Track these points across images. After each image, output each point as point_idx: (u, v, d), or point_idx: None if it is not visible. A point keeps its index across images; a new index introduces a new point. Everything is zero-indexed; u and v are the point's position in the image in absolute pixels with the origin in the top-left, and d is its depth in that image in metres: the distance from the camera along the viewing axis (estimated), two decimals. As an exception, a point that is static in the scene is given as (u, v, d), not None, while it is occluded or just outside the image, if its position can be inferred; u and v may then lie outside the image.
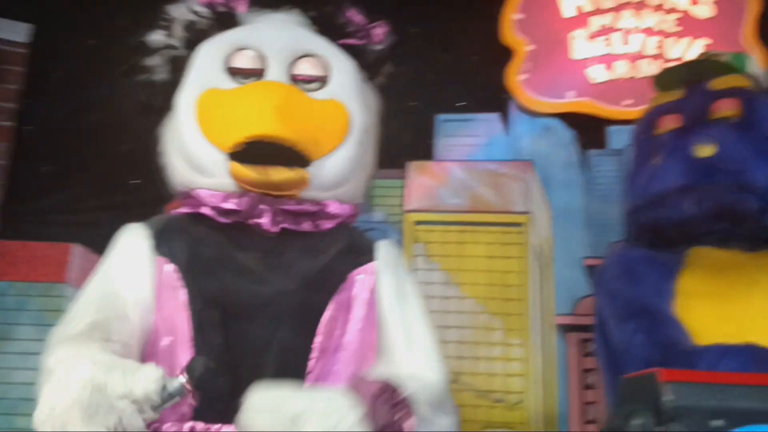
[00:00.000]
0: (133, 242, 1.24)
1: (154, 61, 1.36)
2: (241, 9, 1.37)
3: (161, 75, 1.36)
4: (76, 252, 2.09)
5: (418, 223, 2.10)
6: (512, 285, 2.03)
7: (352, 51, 1.38)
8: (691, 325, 1.37)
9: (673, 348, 1.28)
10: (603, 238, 2.02)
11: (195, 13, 1.35)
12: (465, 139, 2.18)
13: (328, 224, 1.28)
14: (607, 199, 2.04)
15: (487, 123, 2.18)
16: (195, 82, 1.30)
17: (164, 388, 0.98)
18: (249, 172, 1.22)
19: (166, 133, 1.35)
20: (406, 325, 1.27)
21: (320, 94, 1.30)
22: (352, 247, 1.29)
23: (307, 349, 1.18)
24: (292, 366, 1.15)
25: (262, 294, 1.19)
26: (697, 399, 0.87)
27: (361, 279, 1.26)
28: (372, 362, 1.23)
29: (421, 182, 2.14)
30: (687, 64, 1.64)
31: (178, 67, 1.34)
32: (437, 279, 2.04)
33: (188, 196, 1.28)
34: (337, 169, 1.29)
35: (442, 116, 2.20)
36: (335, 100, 1.31)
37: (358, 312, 1.24)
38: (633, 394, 0.97)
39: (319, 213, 1.27)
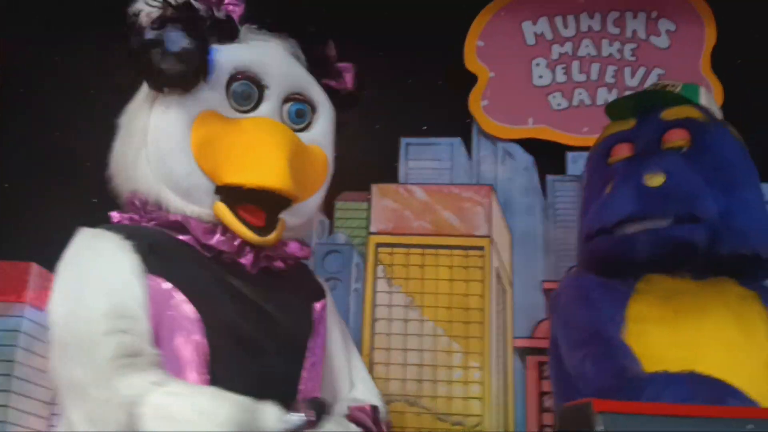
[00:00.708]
0: (117, 253, 1.16)
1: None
2: (236, 17, 1.33)
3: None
4: (35, 271, 2.07)
5: (381, 245, 2.11)
6: (472, 308, 2.04)
7: (329, 92, 1.40)
8: (641, 352, 1.39)
9: (621, 376, 1.30)
10: (562, 262, 2.05)
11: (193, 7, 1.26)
12: (428, 162, 2.21)
13: (292, 262, 1.32)
14: (565, 224, 2.07)
15: (450, 147, 2.21)
16: (193, 98, 1.23)
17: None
18: (242, 229, 1.21)
19: (131, 131, 1.28)
20: (350, 362, 1.40)
21: (305, 137, 1.32)
22: (310, 282, 1.39)
23: (298, 379, 1.24)
24: (289, 396, 1.18)
25: (269, 326, 1.22)
26: (632, 430, 0.88)
27: (320, 312, 1.34)
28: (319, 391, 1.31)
29: (385, 205, 2.15)
30: (639, 94, 1.68)
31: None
32: (398, 302, 2.05)
33: (168, 220, 1.24)
34: (308, 213, 1.34)
35: (407, 139, 2.22)
36: (318, 147, 1.34)
37: (320, 343, 1.32)
38: (571, 423, 0.98)
39: (290, 254, 1.31)
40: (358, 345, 1.98)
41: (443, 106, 2.24)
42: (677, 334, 1.42)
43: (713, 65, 2.16)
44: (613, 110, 1.67)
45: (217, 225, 1.23)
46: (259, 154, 1.21)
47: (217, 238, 1.22)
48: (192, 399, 1.02)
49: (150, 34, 1.18)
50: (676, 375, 1.22)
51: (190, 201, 1.23)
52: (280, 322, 1.24)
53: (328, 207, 2.13)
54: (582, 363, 1.39)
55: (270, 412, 1.03)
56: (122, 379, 1.04)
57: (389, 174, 2.20)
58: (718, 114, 1.65)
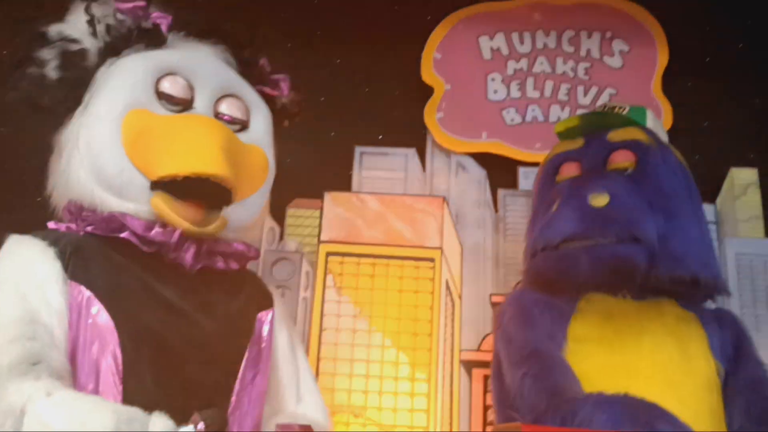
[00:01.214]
0: (38, 260, 1.15)
1: (48, 54, 1.25)
2: (163, 26, 1.32)
3: (55, 72, 1.25)
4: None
5: (332, 254, 2.10)
6: (421, 320, 2.04)
7: (265, 98, 1.39)
8: (581, 371, 1.41)
9: (557, 396, 1.31)
10: (511, 276, 2.07)
11: (117, 18, 1.29)
12: (382, 172, 2.20)
13: (235, 265, 1.30)
14: (516, 238, 2.09)
15: (405, 158, 2.21)
16: (120, 98, 1.23)
17: None
18: (179, 220, 1.19)
19: (63, 142, 1.26)
20: (298, 374, 1.37)
21: (242, 137, 1.31)
22: (256, 289, 1.35)
23: (231, 389, 1.20)
24: (221, 405, 1.17)
25: (194, 335, 1.19)
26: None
27: (264, 322, 1.32)
28: (263, 404, 1.28)
29: (337, 213, 2.13)
30: (587, 115, 1.71)
31: (76, 65, 1.26)
32: (347, 311, 2.03)
33: (104, 218, 1.21)
34: (251, 213, 1.32)
35: (361, 148, 2.21)
36: (257, 146, 1.32)
37: (265, 353, 1.30)
38: (500, 446, 0.99)
39: (232, 253, 1.28)
40: (306, 354, 1.97)
41: (399, 117, 2.24)
42: (616, 354, 1.44)
43: (664, 86, 2.21)
44: (562, 130, 1.69)
45: (154, 221, 1.21)
46: (192, 143, 1.20)
47: (155, 232, 1.20)
48: (72, 409, 1.01)
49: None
50: (609, 398, 1.23)
51: (126, 199, 1.21)
52: (208, 332, 1.21)
53: (279, 214, 2.11)
54: (521, 381, 1.39)
55: (157, 423, 1.01)
56: (14, 386, 1.02)
57: (343, 182, 2.19)
58: (664, 137, 1.68)
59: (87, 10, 1.27)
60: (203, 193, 1.20)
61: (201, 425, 1.00)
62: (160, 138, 1.21)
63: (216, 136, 1.22)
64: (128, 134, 1.21)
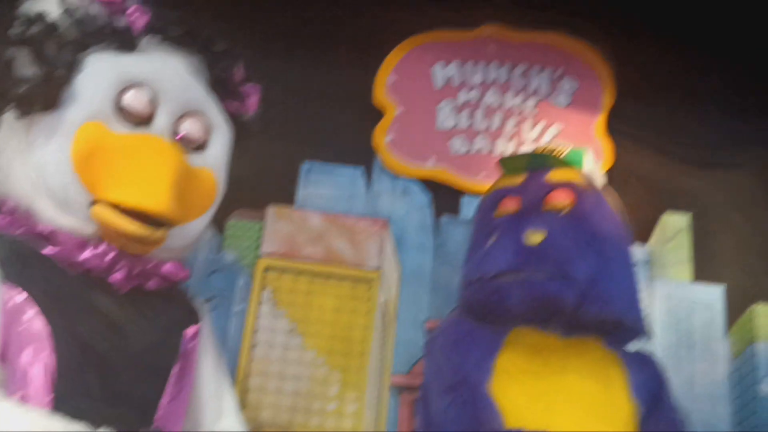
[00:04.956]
0: None
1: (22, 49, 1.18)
2: (138, 27, 1.28)
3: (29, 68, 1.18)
4: None
5: (270, 268, 2.08)
6: (355, 340, 2.04)
7: (229, 113, 1.38)
8: (504, 404, 1.43)
9: (478, 428, 1.33)
10: (447, 302, 2.08)
11: (90, 12, 1.24)
12: (327, 189, 2.20)
13: (167, 283, 1.29)
14: (454, 265, 2.11)
15: (351, 177, 2.22)
16: (79, 106, 1.19)
17: None
18: (126, 223, 1.17)
19: (11, 137, 1.21)
20: (220, 391, 1.37)
21: (196, 159, 1.29)
22: (185, 305, 1.35)
23: (157, 403, 1.20)
24: (147, 418, 1.16)
25: (125, 347, 1.18)
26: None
27: (191, 337, 1.31)
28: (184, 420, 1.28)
29: (279, 227, 2.12)
30: (530, 154, 1.75)
31: (52, 60, 1.19)
32: (281, 327, 2.02)
33: (37, 231, 1.18)
34: (190, 237, 1.31)
35: (308, 164, 2.21)
36: (209, 170, 1.31)
37: (190, 369, 1.30)
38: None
39: (164, 276, 1.28)
40: (235, 369, 1.95)
41: (349, 136, 2.25)
42: (540, 389, 1.47)
43: (608, 127, 2.28)
44: (506, 165, 1.72)
45: (89, 239, 1.19)
46: (142, 174, 1.18)
47: (87, 254, 1.18)
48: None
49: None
50: (525, 435, 1.26)
51: (65, 212, 1.19)
52: (140, 345, 1.21)
53: (220, 224, 2.08)
54: (446, 410, 1.41)
55: None
56: None
57: (287, 197, 2.18)
58: (600, 179, 1.73)
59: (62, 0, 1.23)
60: (144, 219, 1.19)
61: None
62: (111, 160, 1.18)
63: (168, 167, 1.20)
64: (79, 149, 1.17)
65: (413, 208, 2.19)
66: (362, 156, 2.21)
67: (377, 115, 2.24)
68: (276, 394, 1.96)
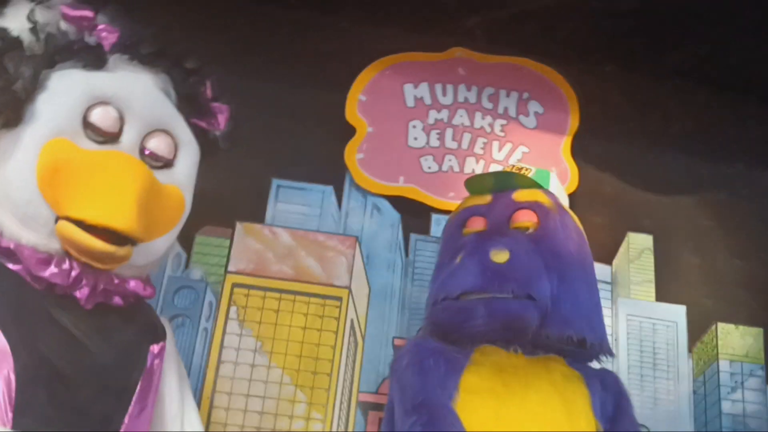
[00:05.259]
0: None
1: None
2: (107, 44, 1.28)
3: None
4: None
5: (238, 285, 2.08)
6: (323, 359, 2.04)
7: (197, 131, 1.38)
8: (469, 423, 1.44)
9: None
10: (415, 320, 2.10)
11: (60, 27, 1.23)
12: (298, 206, 2.20)
13: (132, 300, 1.29)
14: (423, 283, 2.13)
15: (322, 194, 2.22)
16: (43, 123, 1.18)
17: None
18: (91, 240, 1.16)
19: None
20: (182, 409, 1.37)
21: (163, 176, 1.29)
22: (150, 322, 1.35)
23: (121, 421, 1.20)
24: None
25: (88, 364, 1.17)
26: None
27: (156, 355, 1.31)
28: None
29: (248, 244, 2.12)
30: (496, 174, 1.77)
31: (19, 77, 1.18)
32: (248, 345, 2.01)
33: (6, 247, 1.18)
34: (157, 253, 1.31)
35: (278, 181, 2.21)
36: (176, 188, 1.31)
37: (154, 386, 1.29)
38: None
39: (128, 293, 1.27)
40: (201, 387, 1.93)
41: (320, 154, 2.25)
42: (504, 407, 1.48)
43: (573, 150, 2.32)
44: (472, 185, 1.75)
45: (52, 256, 1.18)
46: (107, 191, 1.17)
47: (51, 270, 1.17)
48: None
49: None
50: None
51: (28, 228, 1.18)
52: (104, 362, 1.20)
53: (187, 240, 2.07)
54: (411, 430, 1.41)
55: None
56: None
57: (257, 214, 2.18)
58: (565, 200, 1.76)
59: (30, 16, 1.22)
60: (109, 236, 1.19)
61: None
62: (76, 176, 1.18)
63: (133, 184, 1.19)
64: (44, 165, 1.17)
65: (383, 226, 2.20)
66: (333, 174, 2.22)
67: (348, 133, 2.25)
68: (242, 412, 1.95)
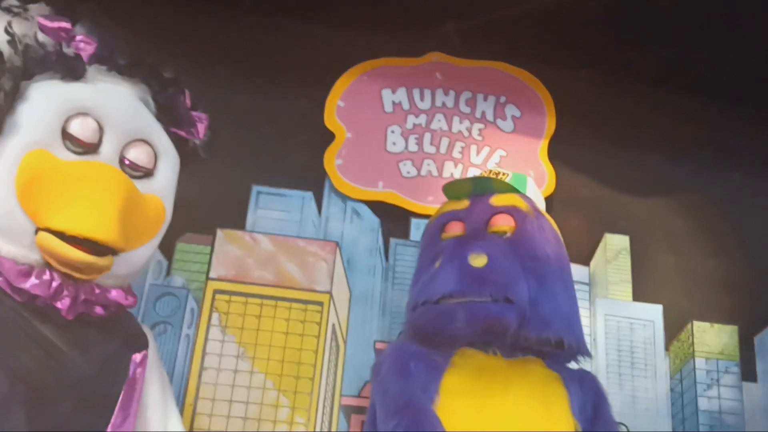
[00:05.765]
0: None
1: None
2: (85, 56, 1.28)
3: None
4: None
5: (219, 291, 2.08)
6: (305, 363, 2.05)
7: (177, 140, 1.39)
8: (450, 425, 1.46)
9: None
10: (396, 324, 2.12)
11: (37, 39, 1.23)
12: (278, 213, 2.21)
13: (113, 309, 1.29)
14: (403, 287, 2.15)
15: (301, 200, 2.23)
16: (22, 134, 1.18)
17: None
18: (71, 251, 1.17)
19: None
20: (166, 418, 1.38)
21: (143, 186, 1.29)
22: (132, 331, 1.35)
23: (105, 429, 1.21)
24: None
25: (69, 375, 1.17)
26: None
27: (138, 364, 1.32)
28: None
29: (228, 251, 2.13)
30: (473, 179, 1.79)
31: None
32: (230, 351, 2.01)
33: None
34: (137, 263, 1.32)
35: (258, 187, 2.22)
36: (156, 197, 1.32)
37: (136, 395, 1.30)
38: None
39: (109, 303, 1.28)
40: (184, 394, 1.93)
41: (299, 160, 2.26)
42: (484, 409, 1.50)
43: (550, 153, 2.35)
44: (450, 190, 1.77)
45: (33, 267, 1.18)
46: (87, 202, 1.18)
47: (31, 282, 1.17)
48: None
49: None
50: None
51: (8, 240, 1.18)
52: (86, 373, 1.20)
53: (168, 247, 2.07)
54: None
55: None
56: None
57: (237, 220, 2.18)
58: (542, 204, 1.79)
59: (8, 28, 1.21)
60: (89, 247, 1.19)
61: None
62: (55, 187, 1.18)
63: (113, 194, 1.20)
64: (23, 176, 1.17)
65: (363, 231, 2.21)
66: (312, 180, 2.23)
67: (327, 139, 2.27)
68: (225, 418, 1.96)
